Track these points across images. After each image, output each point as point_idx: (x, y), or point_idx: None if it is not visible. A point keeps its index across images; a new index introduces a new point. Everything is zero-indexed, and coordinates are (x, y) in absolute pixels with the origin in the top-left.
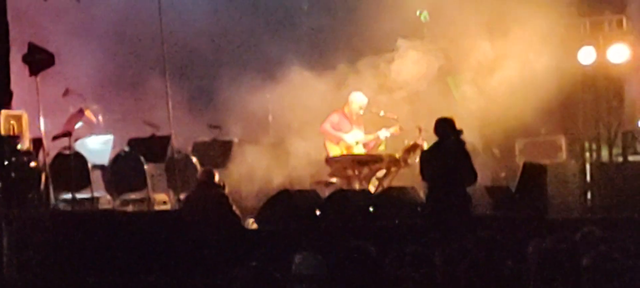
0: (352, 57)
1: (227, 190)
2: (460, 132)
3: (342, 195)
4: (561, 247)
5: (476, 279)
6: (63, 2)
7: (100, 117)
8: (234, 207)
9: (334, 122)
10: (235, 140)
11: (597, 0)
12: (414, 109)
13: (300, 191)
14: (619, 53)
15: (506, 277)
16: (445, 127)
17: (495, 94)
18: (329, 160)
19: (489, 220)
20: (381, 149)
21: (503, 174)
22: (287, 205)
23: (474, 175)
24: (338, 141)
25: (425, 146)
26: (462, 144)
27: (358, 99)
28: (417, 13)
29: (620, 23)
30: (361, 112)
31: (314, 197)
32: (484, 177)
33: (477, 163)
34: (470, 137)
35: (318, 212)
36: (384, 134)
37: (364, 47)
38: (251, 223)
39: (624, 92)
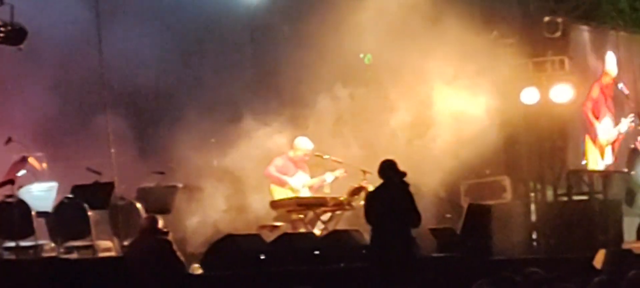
0: (297, 102)
1: (171, 236)
2: (404, 174)
3: (286, 239)
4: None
5: None
6: (4, 49)
7: (44, 164)
8: (178, 253)
9: (278, 166)
10: (180, 185)
11: (539, 41)
12: (359, 151)
13: (244, 235)
14: (561, 93)
15: None
16: (389, 169)
17: (439, 135)
18: (274, 204)
19: (433, 261)
20: (326, 192)
21: (449, 215)
22: (231, 249)
23: (418, 217)
24: (283, 184)
25: (370, 188)
26: (406, 185)
27: (303, 144)
28: (361, 56)
29: (562, 63)
30: (306, 158)
31: (258, 241)
32: (429, 219)
33: (422, 205)
34: (415, 179)
35: (262, 257)
36: (329, 177)
37: (306, 92)
38: (196, 269)
39: (568, 131)
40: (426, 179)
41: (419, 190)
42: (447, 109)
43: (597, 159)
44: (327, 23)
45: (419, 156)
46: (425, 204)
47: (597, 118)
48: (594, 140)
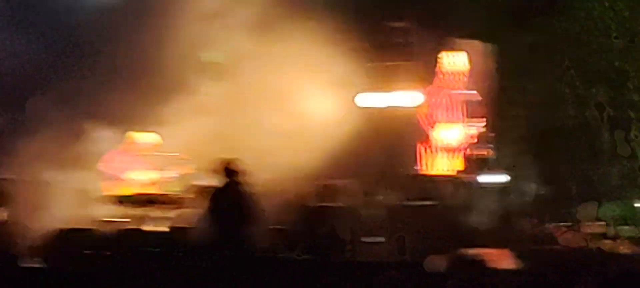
0: (145, 98)
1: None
2: (244, 173)
3: (126, 234)
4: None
5: None
6: None
7: None
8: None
9: (120, 161)
10: (14, 177)
11: (383, 46)
12: (204, 150)
13: (84, 230)
14: (404, 97)
15: None
16: (231, 169)
17: (287, 137)
18: (115, 199)
19: (273, 261)
20: (171, 189)
21: (292, 217)
22: (71, 243)
23: (258, 216)
24: (124, 180)
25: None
26: (247, 185)
27: (148, 139)
28: (207, 55)
29: (406, 68)
30: (150, 152)
31: (98, 236)
32: (273, 219)
33: (267, 205)
34: (262, 180)
35: (102, 252)
36: (171, 174)
37: (156, 89)
38: (35, 262)
39: (413, 136)
40: (273, 180)
41: (265, 190)
42: (295, 111)
43: (437, 166)
44: (175, 20)
45: (267, 157)
46: (270, 204)
47: (438, 123)
48: (434, 147)
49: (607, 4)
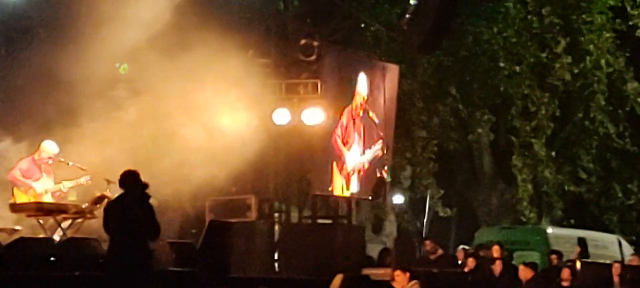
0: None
1: None
2: (146, 185)
3: (23, 243)
4: None
5: None
6: None
7: None
8: None
9: (23, 169)
10: None
11: (294, 63)
12: (108, 159)
13: None
14: (313, 116)
15: None
16: (131, 180)
17: (190, 150)
18: (14, 207)
19: (170, 275)
20: (71, 199)
21: (194, 231)
22: None
23: (156, 229)
24: (27, 189)
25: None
26: (146, 197)
27: (49, 148)
28: (117, 65)
29: (315, 86)
30: (51, 161)
31: None
32: (174, 233)
33: (167, 218)
34: (163, 192)
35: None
36: (67, 185)
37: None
38: None
39: (317, 155)
40: (174, 193)
41: (166, 203)
42: (199, 124)
43: (342, 186)
44: (86, 29)
45: (168, 169)
46: (171, 218)
47: (346, 144)
48: (341, 168)
49: (495, 30)
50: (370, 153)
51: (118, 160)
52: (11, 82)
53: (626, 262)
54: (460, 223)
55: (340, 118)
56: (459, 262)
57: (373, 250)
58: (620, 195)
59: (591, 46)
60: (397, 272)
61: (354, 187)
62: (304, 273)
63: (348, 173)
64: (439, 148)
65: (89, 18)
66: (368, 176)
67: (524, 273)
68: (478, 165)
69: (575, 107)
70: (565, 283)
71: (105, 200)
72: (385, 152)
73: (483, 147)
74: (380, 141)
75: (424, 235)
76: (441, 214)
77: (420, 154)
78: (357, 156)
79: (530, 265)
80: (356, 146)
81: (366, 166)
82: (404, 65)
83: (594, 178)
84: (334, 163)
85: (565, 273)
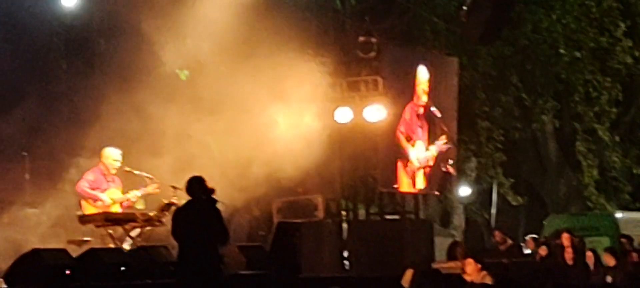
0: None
1: None
2: (212, 190)
3: (94, 254)
4: None
5: None
6: None
7: None
8: None
9: (90, 180)
10: None
11: (353, 61)
12: (173, 167)
13: (50, 250)
14: (375, 113)
15: None
16: (197, 186)
17: (255, 153)
18: (83, 219)
19: (241, 279)
20: (139, 207)
21: (262, 233)
22: (37, 264)
23: (225, 234)
24: (95, 201)
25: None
26: (213, 202)
27: (112, 153)
28: (177, 71)
29: (376, 83)
30: (117, 164)
31: (64, 256)
32: (243, 236)
33: (235, 222)
34: (230, 196)
35: (68, 271)
36: (135, 194)
37: (122, 105)
38: (0, 284)
39: (381, 151)
40: (241, 196)
41: (234, 207)
42: (262, 126)
43: (408, 183)
44: (144, 38)
45: (234, 173)
46: (239, 222)
47: (410, 140)
48: (406, 165)
49: (554, 17)
50: (434, 149)
51: (185, 166)
52: (72, 92)
53: None
54: (528, 213)
55: (402, 114)
56: (529, 252)
57: (442, 244)
58: None
59: None
60: (469, 260)
61: (420, 183)
62: (373, 270)
63: (413, 171)
64: (503, 138)
65: (148, 24)
66: (434, 171)
67: (607, 260)
68: (544, 153)
69: (638, 90)
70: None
71: (173, 207)
72: (449, 146)
73: (548, 135)
74: (444, 136)
75: (492, 227)
76: (513, 203)
77: (485, 145)
78: (421, 152)
79: (610, 250)
80: (420, 142)
81: (431, 163)
82: (465, 57)
83: None
84: (399, 162)
85: (634, 257)
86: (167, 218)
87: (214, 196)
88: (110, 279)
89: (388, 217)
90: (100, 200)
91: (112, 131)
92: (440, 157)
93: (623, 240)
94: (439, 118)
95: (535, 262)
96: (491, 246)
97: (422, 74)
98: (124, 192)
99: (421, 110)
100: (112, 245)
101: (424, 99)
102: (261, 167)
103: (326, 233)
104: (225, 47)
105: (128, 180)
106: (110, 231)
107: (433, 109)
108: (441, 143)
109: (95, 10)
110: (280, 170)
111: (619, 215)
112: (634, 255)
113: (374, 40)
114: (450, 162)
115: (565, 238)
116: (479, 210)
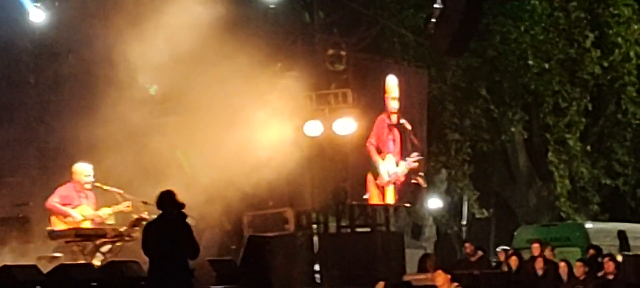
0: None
1: None
2: (182, 205)
3: (64, 270)
4: None
5: None
6: None
7: None
8: None
9: (62, 196)
10: None
11: (323, 73)
12: (143, 181)
13: (20, 266)
14: (344, 126)
15: None
16: (167, 201)
17: (225, 166)
18: (53, 235)
19: None
20: (110, 222)
21: (233, 247)
22: (7, 280)
23: (195, 248)
24: (65, 216)
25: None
26: (183, 217)
27: (83, 169)
28: (146, 86)
29: (345, 96)
30: (89, 179)
31: (34, 273)
32: (214, 251)
33: (206, 236)
34: (201, 210)
35: None
36: (106, 211)
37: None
38: None
39: (351, 164)
40: (211, 210)
41: (205, 221)
42: (232, 140)
43: (379, 195)
44: (113, 52)
45: (204, 187)
46: (210, 236)
47: (380, 154)
48: (376, 177)
49: (522, 28)
50: (404, 166)
51: (154, 181)
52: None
53: None
54: (499, 224)
55: (373, 126)
56: (500, 263)
57: (413, 256)
58: None
59: (619, 39)
60: (439, 272)
61: (390, 198)
62: (345, 283)
63: (383, 185)
64: (472, 150)
65: (118, 38)
66: (404, 185)
67: (578, 271)
68: (513, 165)
69: (606, 100)
70: (610, 277)
71: (143, 222)
72: (420, 160)
73: (517, 146)
74: (415, 153)
75: (463, 238)
76: (478, 216)
77: (454, 157)
78: (392, 167)
79: (581, 261)
80: (391, 155)
81: (402, 178)
82: (433, 68)
83: (630, 170)
84: (369, 174)
85: (610, 266)
86: (138, 234)
87: (184, 210)
88: None
89: (359, 229)
90: (71, 216)
91: (84, 145)
92: (411, 170)
93: (591, 250)
94: (409, 130)
95: (505, 273)
96: (462, 258)
97: (392, 82)
98: (98, 207)
99: (394, 119)
100: (82, 261)
101: (395, 105)
102: (232, 180)
103: (297, 247)
104: (194, 60)
105: (103, 195)
106: (80, 246)
107: (402, 121)
108: (411, 160)
109: (64, 25)
110: (251, 184)
111: (589, 225)
112: (611, 264)
113: (343, 53)
114: (421, 174)
115: (536, 249)
116: (450, 222)
